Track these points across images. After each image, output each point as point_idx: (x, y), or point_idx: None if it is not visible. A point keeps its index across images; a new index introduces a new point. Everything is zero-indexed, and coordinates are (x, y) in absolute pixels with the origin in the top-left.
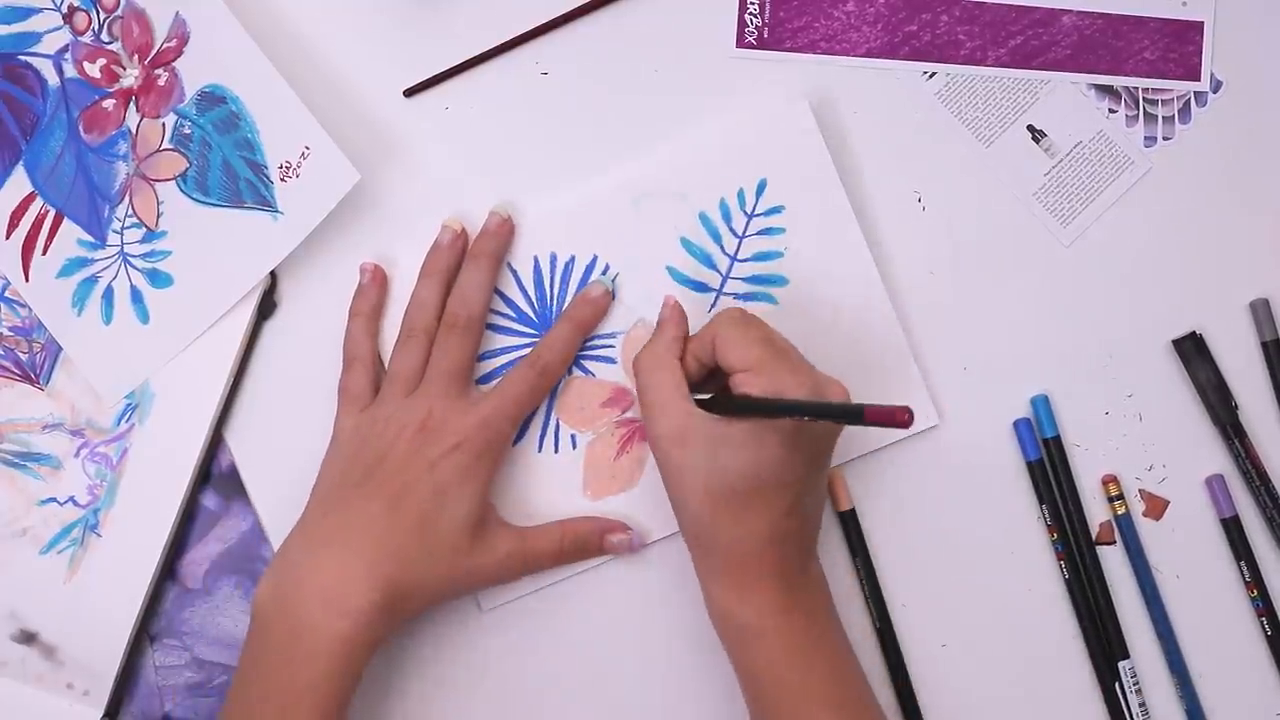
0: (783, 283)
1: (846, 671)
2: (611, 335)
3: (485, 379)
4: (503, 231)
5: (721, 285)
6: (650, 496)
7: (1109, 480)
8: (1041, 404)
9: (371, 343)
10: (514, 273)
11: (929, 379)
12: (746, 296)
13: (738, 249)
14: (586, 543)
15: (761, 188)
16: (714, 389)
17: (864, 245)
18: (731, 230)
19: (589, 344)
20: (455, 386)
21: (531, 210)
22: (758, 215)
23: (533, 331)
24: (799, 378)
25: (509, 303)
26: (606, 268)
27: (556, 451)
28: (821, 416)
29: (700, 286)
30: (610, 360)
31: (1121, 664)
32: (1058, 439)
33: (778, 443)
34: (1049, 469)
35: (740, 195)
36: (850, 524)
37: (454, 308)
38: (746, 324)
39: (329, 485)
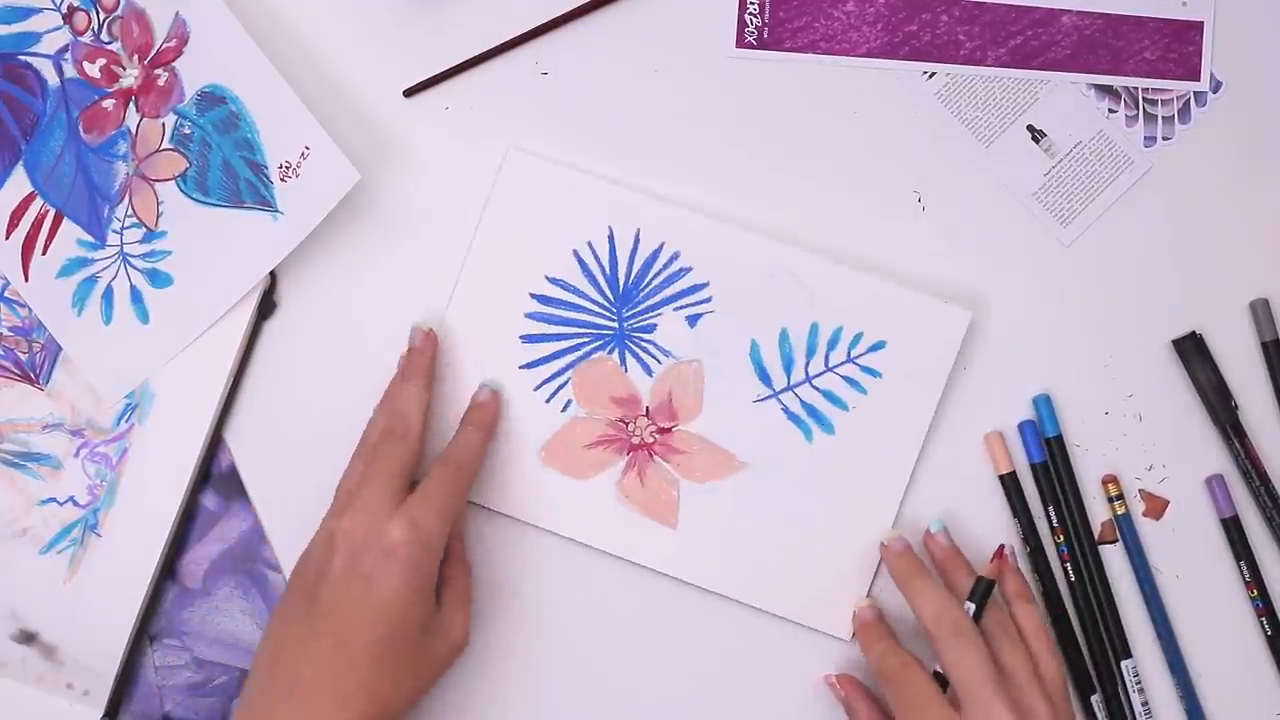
0: (829, 430)
1: None
2: (667, 353)
3: (544, 300)
4: (429, 346)
5: (780, 391)
6: (589, 497)
7: (1109, 480)
8: (1043, 403)
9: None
10: (636, 240)
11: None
12: (793, 416)
13: (818, 375)
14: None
15: (876, 347)
16: None
17: (911, 464)
18: (826, 358)
19: (645, 343)
20: (388, 495)
21: (689, 193)
22: (855, 363)
23: (609, 298)
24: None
25: (613, 258)
26: (709, 299)
27: (548, 402)
28: None
29: (765, 378)
30: (649, 370)
31: (1124, 663)
32: (1059, 438)
33: None
34: (1052, 470)
35: (856, 338)
36: (1011, 487)
37: (390, 422)
38: (971, 645)
39: (281, 617)
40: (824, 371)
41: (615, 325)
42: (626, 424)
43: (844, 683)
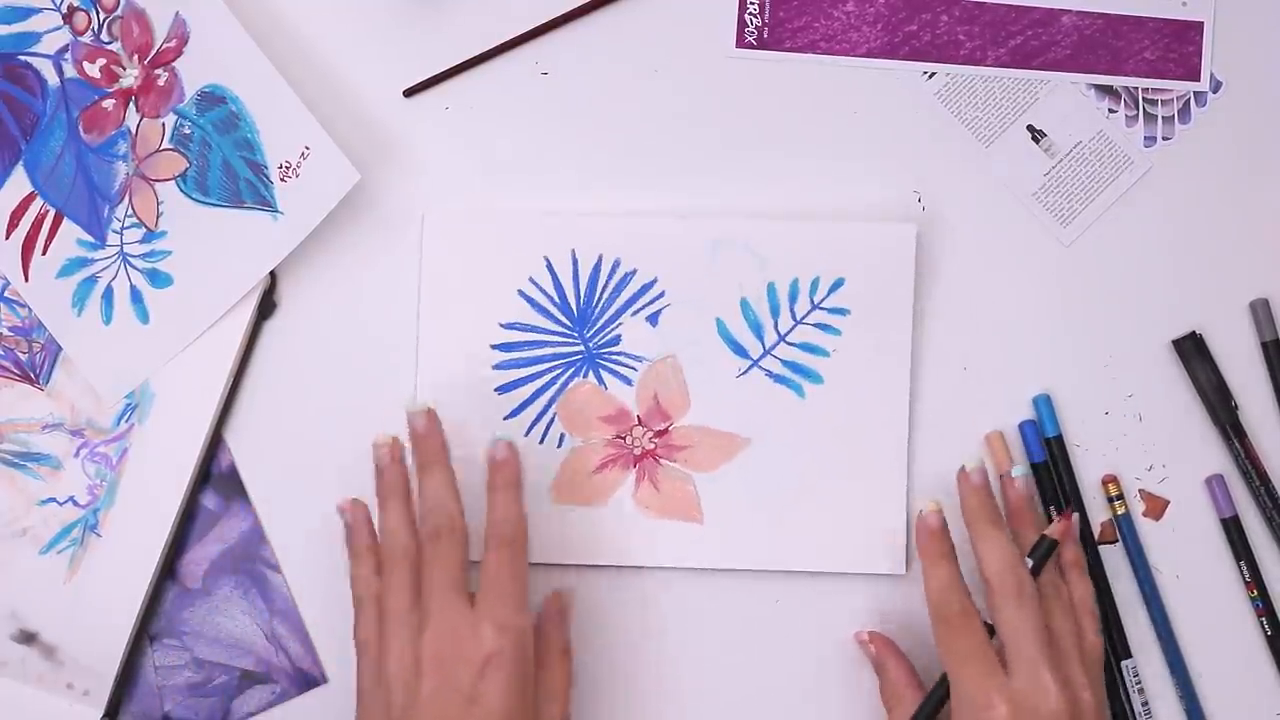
0: (817, 380)
1: None
2: (639, 359)
3: (505, 347)
4: (433, 427)
5: (760, 358)
6: (611, 519)
7: (1109, 480)
8: (1044, 403)
9: (377, 579)
10: (575, 261)
11: (929, 378)
12: (778, 378)
13: (790, 331)
14: (564, 633)
15: (837, 285)
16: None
17: (906, 384)
18: (792, 312)
19: (615, 356)
20: (455, 599)
21: (612, 203)
22: (821, 308)
23: (566, 324)
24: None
25: (557, 286)
26: (661, 294)
27: (541, 442)
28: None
29: (740, 350)
30: (627, 381)
31: (1124, 663)
32: (1059, 438)
33: None
34: (1052, 470)
35: (814, 283)
36: None
37: (431, 520)
38: (1026, 602)
39: None
40: (794, 325)
41: (581, 348)
42: (624, 438)
43: (876, 641)
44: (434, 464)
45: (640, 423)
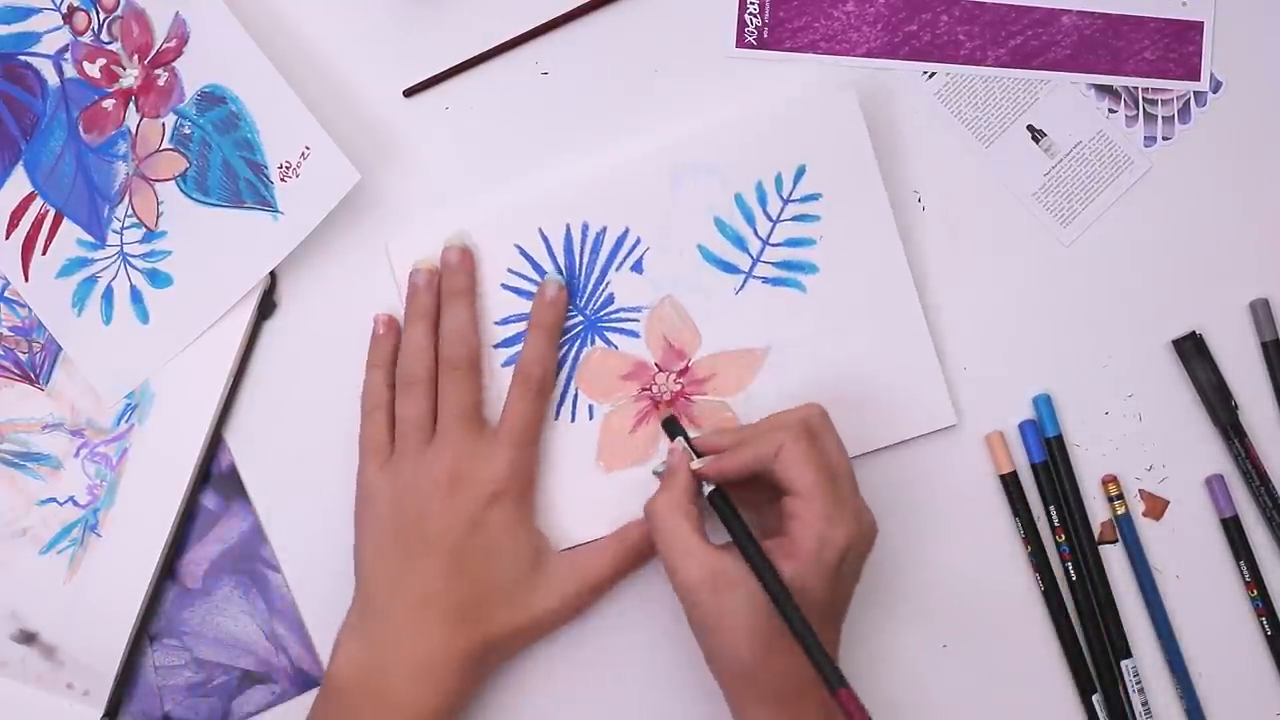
0: (813, 270)
1: None
2: (637, 309)
3: (505, 344)
4: (466, 264)
5: (751, 268)
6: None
7: (1109, 480)
8: (1044, 403)
9: (390, 392)
10: (545, 239)
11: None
12: (775, 281)
13: (770, 233)
14: (640, 552)
15: (800, 174)
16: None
17: (897, 239)
18: (766, 214)
19: (614, 316)
20: (471, 429)
21: (565, 175)
22: (793, 201)
23: (569, 305)
24: (841, 523)
25: (537, 268)
26: (638, 241)
27: (574, 420)
28: (805, 645)
29: (730, 267)
30: (634, 334)
31: (1124, 663)
32: (1059, 438)
33: (822, 574)
34: (1052, 470)
35: (778, 179)
36: (1012, 486)
37: (449, 350)
38: (814, 442)
39: (376, 554)
40: (773, 226)
41: (580, 318)
42: (649, 389)
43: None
44: (459, 296)
45: (660, 369)
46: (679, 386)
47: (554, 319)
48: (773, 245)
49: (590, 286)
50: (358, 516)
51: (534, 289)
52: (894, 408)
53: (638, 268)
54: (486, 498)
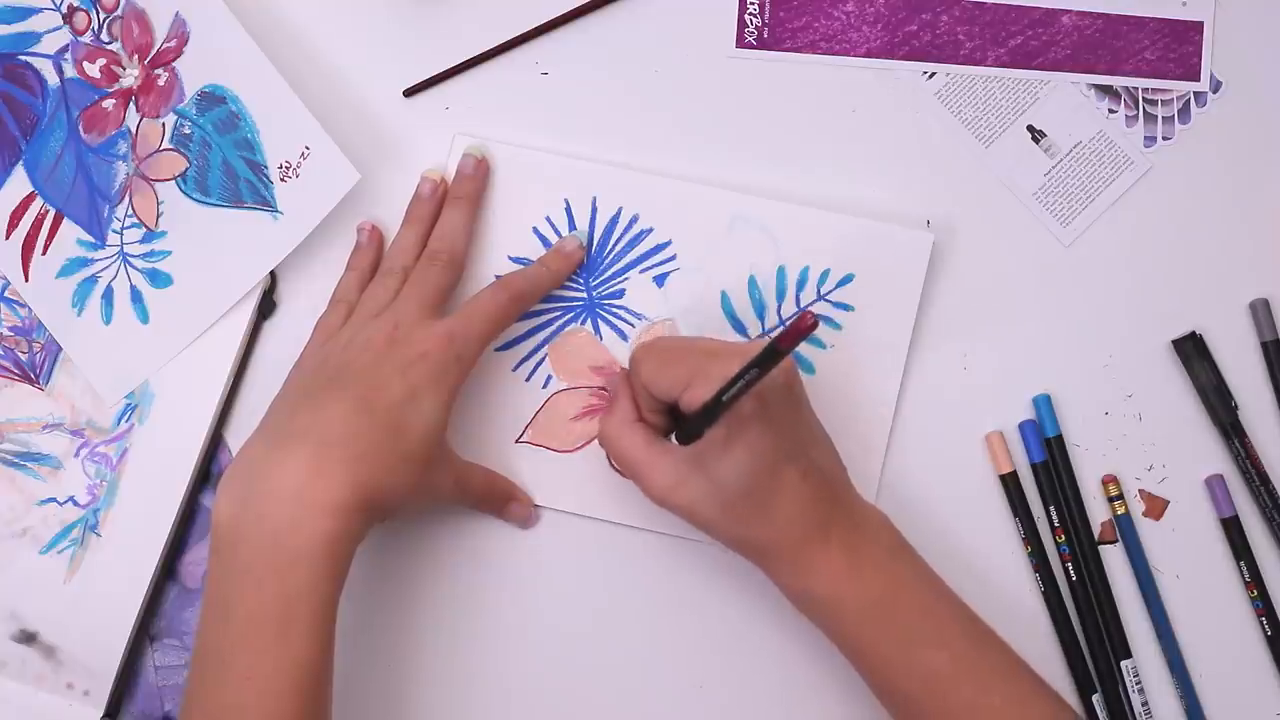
0: (809, 370)
1: (938, 604)
2: (639, 316)
3: (507, 346)
4: (480, 173)
5: (757, 338)
6: (578, 470)
7: (1109, 480)
8: (1044, 403)
9: (359, 293)
10: (594, 208)
11: (929, 377)
12: None
13: (792, 317)
14: (496, 500)
15: (845, 280)
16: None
17: (894, 392)
18: (797, 298)
19: (616, 309)
20: (425, 310)
21: (644, 160)
22: (826, 300)
23: (579, 277)
24: (726, 359)
25: (572, 229)
26: (673, 258)
27: (527, 380)
28: (753, 373)
29: (740, 327)
30: (623, 335)
31: (1124, 663)
32: (1059, 438)
33: (753, 423)
34: (1052, 470)
35: (824, 274)
36: (1012, 487)
37: (434, 245)
38: (656, 349)
39: (292, 390)
40: (797, 312)
41: (584, 295)
42: (609, 391)
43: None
44: (462, 200)
45: None
46: None
47: (562, 267)
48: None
49: (609, 274)
50: (290, 373)
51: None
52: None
53: (660, 280)
54: (416, 355)
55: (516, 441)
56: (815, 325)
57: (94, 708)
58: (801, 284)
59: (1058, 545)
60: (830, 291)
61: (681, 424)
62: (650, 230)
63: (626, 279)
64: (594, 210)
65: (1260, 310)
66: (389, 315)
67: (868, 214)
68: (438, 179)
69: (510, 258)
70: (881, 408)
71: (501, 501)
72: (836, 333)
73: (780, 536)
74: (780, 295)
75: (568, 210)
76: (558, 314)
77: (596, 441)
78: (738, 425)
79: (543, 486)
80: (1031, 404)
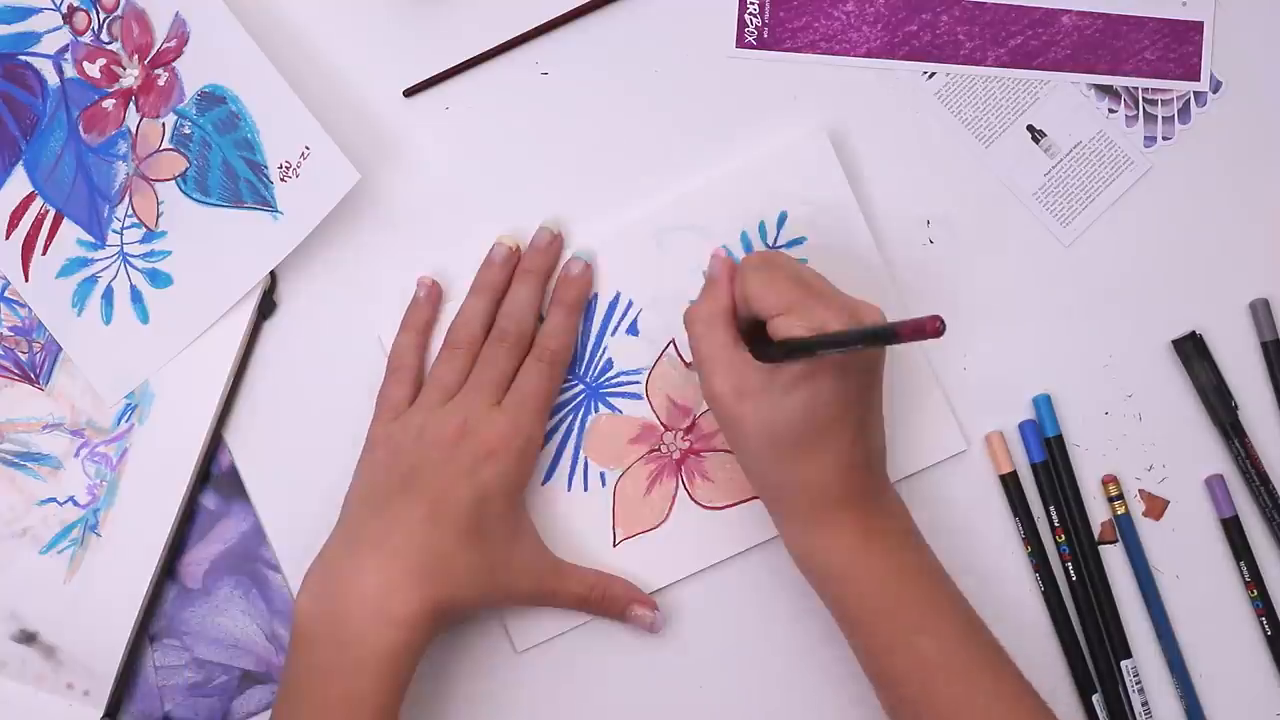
0: None
1: (939, 595)
2: (637, 372)
3: None
4: (553, 249)
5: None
6: (681, 531)
7: (1109, 480)
8: (1044, 403)
9: (417, 357)
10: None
11: (929, 378)
12: None
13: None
14: (613, 604)
15: (782, 220)
16: (759, 337)
17: (886, 272)
18: None
19: (615, 381)
20: (491, 397)
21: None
22: (779, 246)
23: (569, 375)
24: (833, 310)
25: None
26: (630, 304)
27: (586, 490)
28: (858, 344)
29: None
30: (636, 396)
31: (1124, 663)
32: (1059, 438)
33: (829, 377)
34: (1052, 470)
35: (761, 227)
36: (1012, 486)
37: (503, 323)
38: (771, 266)
39: (366, 491)
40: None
41: (582, 387)
42: (658, 449)
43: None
44: (532, 275)
45: (667, 428)
46: (688, 444)
47: (578, 296)
48: None
49: (589, 355)
50: (358, 463)
51: None
52: (904, 440)
53: (633, 330)
54: (483, 454)
55: (614, 547)
56: (942, 332)
57: (94, 708)
58: (749, 248)
59: (1058, 545)
60: (777, 237)
61: (760, 342)
62: (595, 295)
63: (605, 349)
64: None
65: (1260, 310)
66: (457, 409)
67: (868, 213)
68: (512, 246)
69: None
70: (886, 303)
71: (619, 606)
72: (808, 265)
73: (809, 488)
74: None
75: None
76: (570, 416)
77: (678, 503)
78: (817, 370)
79: (657, 569)
80: (1031, 404)
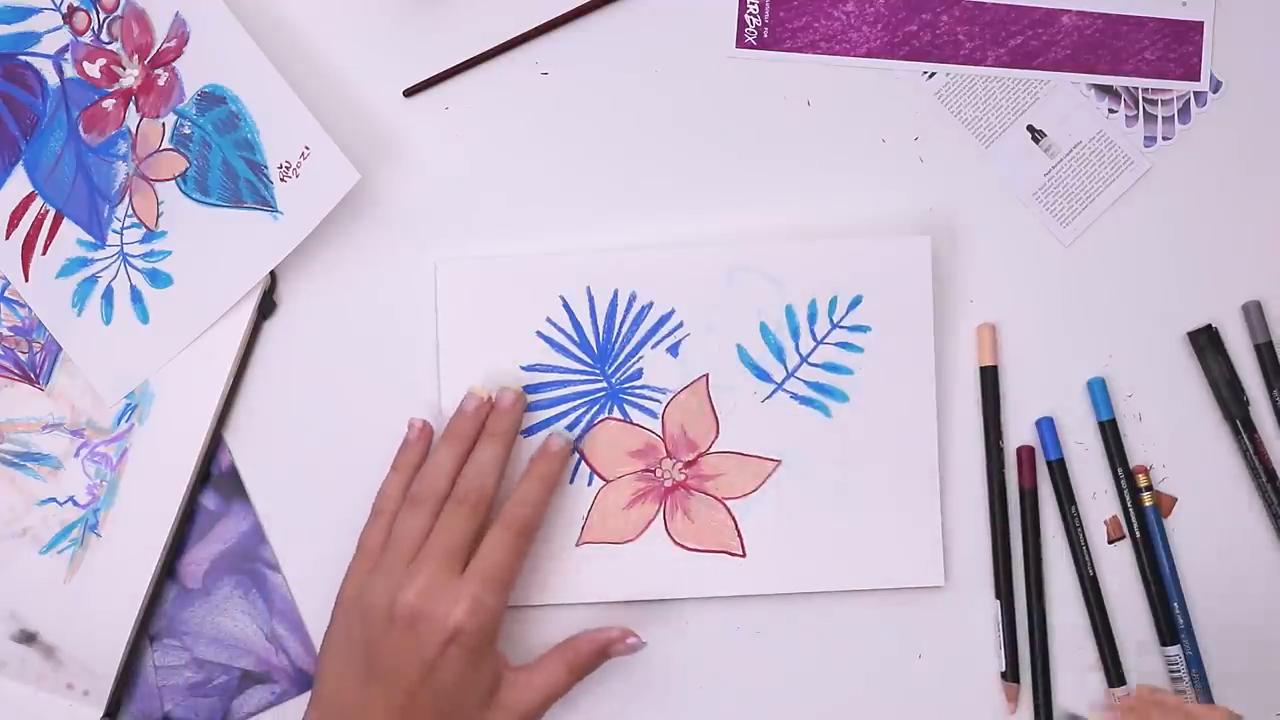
0: (842, 398)
1: None
2: (663, 390)
3: (528, 389)
4: (517, 408)
5: (783, 381)
6: (645, 556)
7: (1139, 471)
8: (1098, 386)
9: (398, 501)
10: (590, 298)
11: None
12: (803, 399)
13: (811, 352)
14: (594, 659)
15: (855, 303)
16: None
17: (932, 397)
18: (812, 332)
19: (638, 390)
20: (450, 565)
21: (626, 239)
22: (841, 327)
23: (588, 362)
24: None
25: (575, 325)
26: (679, 325)
27: (571, 483)
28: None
29: (762, 375)
30: (652, 413)
31: (1166, 650)
32: (1113, 422)
33: None
34: (1108, 453)
35: (832, 303)
36: (989, 380)
37: (466, 484)
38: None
39: (336, 673)
40: (815, 346)
41: (604, 385)
42: (653, 471)
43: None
44: (496, 437)
45: (669, 454)
46: (683, 477)
47: (553, 472)
48: (810, 364)
49: (622, 356)
50: (334, 612)
51: (566, 342)
52: (886, 554)
53: (674, 351)
54: (443, 639)
55: (577, 545)
56: None
57: (94, 708)
58: (813, 318)
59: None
60: (843, 318)
61: None
62: (651, 305)
63: (641, 358)
64: (591, 300)
65: (1253, 313)
66: (415, 577)
67: (868, 213)
68: (484, 397)
69: (524, 367)
70: (923, 414)
71: (599, 658)
72: (859, 355)
73: None
74: (795, 334)
75: (566, 307)
76: (582, 409)
77: (652, 528)
78: None
79: (612, 581)
80: (1086, 388)
